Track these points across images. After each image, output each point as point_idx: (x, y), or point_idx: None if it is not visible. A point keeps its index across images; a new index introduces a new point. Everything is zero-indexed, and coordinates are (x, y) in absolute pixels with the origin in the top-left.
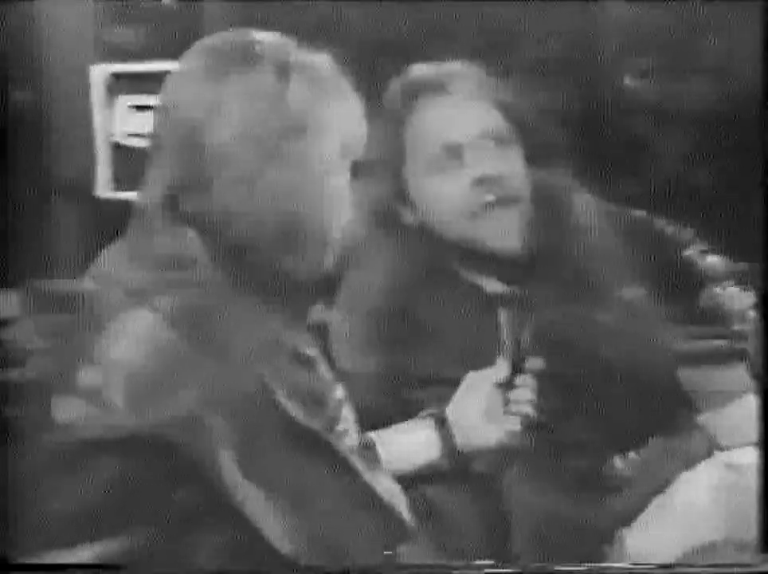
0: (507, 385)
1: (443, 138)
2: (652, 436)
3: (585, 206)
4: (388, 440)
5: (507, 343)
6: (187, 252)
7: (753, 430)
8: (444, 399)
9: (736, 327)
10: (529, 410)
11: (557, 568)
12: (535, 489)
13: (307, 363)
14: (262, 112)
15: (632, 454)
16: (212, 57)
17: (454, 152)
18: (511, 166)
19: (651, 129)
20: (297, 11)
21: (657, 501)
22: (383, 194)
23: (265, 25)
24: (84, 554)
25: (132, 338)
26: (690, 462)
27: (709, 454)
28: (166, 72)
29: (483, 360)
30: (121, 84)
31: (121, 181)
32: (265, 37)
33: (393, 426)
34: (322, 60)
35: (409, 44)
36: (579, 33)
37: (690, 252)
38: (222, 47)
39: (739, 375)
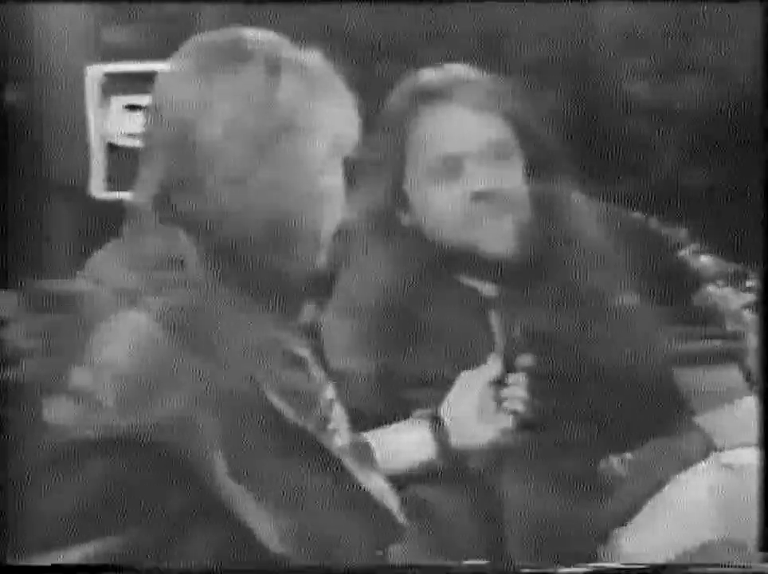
0: (500, 383)
1: (444, 148)
2: (648, 436)
3: (583, 209)
4: (382, 440)
5: (498, 341)
6: (178, 252)
7: (749, 430)
8: (438, 399)
9: (730, 327)
10: (521, 408)
11: (551, 568)
12: (530, 488)
13: (299, 363)
14: (253, 110)
15: (627, 454)
16: (202, 56)
17: (454, 164)
18: (510, 178)
19: (649, 130)
20: (294, 12)
21: (653, 502)
22: (382, 194)
23: (262, 26)
24: (74, 555)
25: (124, 339)
26: (686, 463)
27: (705, 455)
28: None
29: (476, 360)
30: (116, 84)
31: (116, 181)
32: (255, 35)
33: (388, 426)
34: (313, 58)
35: (407, 45)
36: (576, 35)
37: (684, 252)
38: (212, 45)
39: (734, 375)
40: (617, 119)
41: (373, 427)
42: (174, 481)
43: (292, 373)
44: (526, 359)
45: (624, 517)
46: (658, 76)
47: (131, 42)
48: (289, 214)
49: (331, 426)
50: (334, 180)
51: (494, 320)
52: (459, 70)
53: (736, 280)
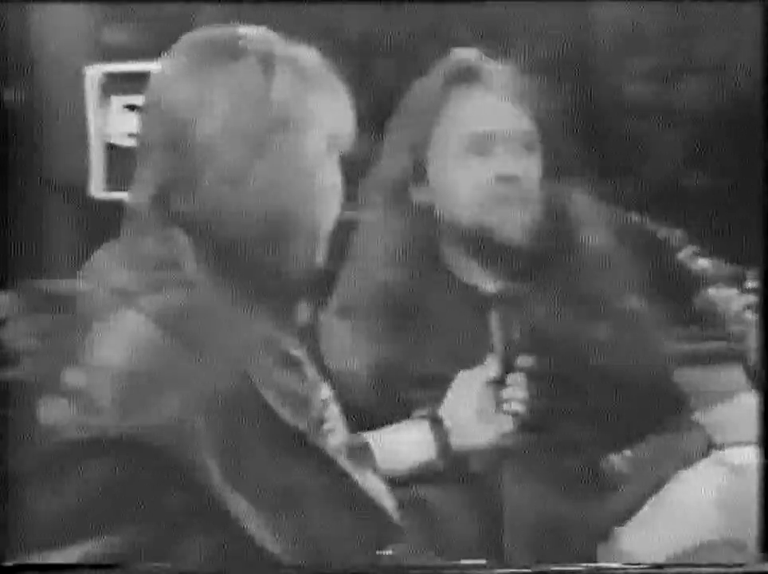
0: (499, 384)
1: (476, 126)
2: (649, 435)
3: (589, 211)
4: (382, 440)
5: (497, 341)
6: (175, 252)
7: (749, 428)
8: (438, 399)
9: (732, 328)
10: (520, 409)
11: (551, 567)
12: (529, 488)
13: (293, 363)
14: (247, 108)
15: (628, 453)
16: (195, 53)
17: (484, 143)
18: (531, 169)
19: (648, 130)
20: (292, 12)
21: (653, 500)
22: (399, 169)
23: (260, 25)
24: (70, 555)
25: (120, 339)
26: (686, 461)
27: (706, 453)
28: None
29: (477, 359)
30: (116, 84)
31: (115, 181)
32: (249, 31)
33: (388, 427)
34: (307, 55)
35: (405, 44)
36: (576, 35)
37: (683, 254)
38: (205, 43)
39: (735, 375)
40: (617, 119)
41: (373, 427)
42: (170, 482)
43: (287, 373)
44: (525, 360)
45: (625, 516)
46: (658, 76)
47: (131, 42)
48: (286, 211)
49: (326, 427)
50: (330, 177)
51: (493, 320)
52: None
53: (735, 281)
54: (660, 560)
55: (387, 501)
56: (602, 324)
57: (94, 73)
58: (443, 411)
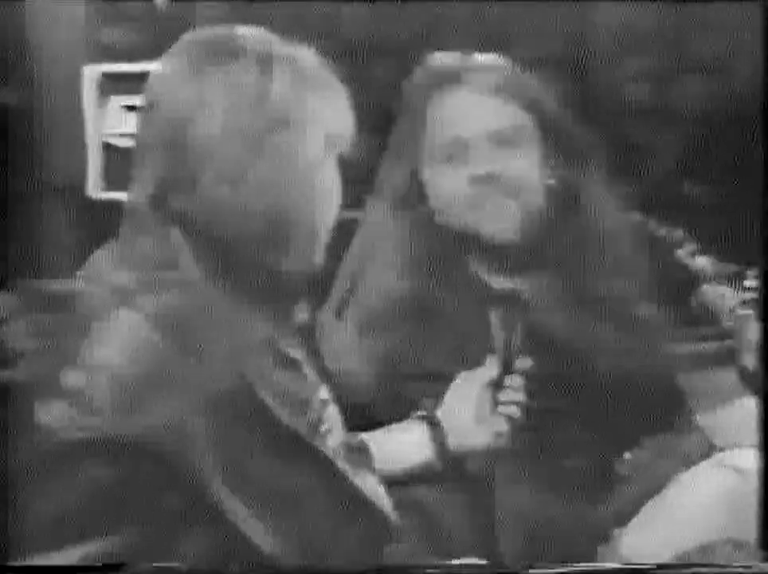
0: (498, 385)
1: (454, 131)
2: (649, 436)
3: (605, 207)
4: (380, 441)
5: (497, 342)
6: (174, 252)
7: (750, 431)
8: (437, 399)
9: (725, 324)
10: (517, 412)
11: (550, 568)
12: (527, 489)
13: (291, 364)
14: (246, 106)
15: (628, 454)
16: (194, 53)
17: (461, 147)
18: (519, 165)
19: (648, 130)
20: (291, 12)
21: (653, 502)
22: (400, 181)
23: (258, 25)
24: (69, 556)
25: (118, 339)
26: (687, 463)
27: (706, 455)
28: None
29: (477, 359)
30: (113, 84)
31: (113, 181)
32: (247, 32)
33: (386, 427)
34: (305, 54)
35: (404, 44)
36: (575, 35)
37: (682, 253)
38: (203, 43)
39: (732, 376)
40: (616, 118)
41: (370, 426)
42: (168, 483)
43: (285, 374)
44: (524, 362)
45: (625, 517)
46: (658, 76)
47: (128, 42)
48: (284, 211)
49: (324, 428)
50: (329, 177)
51: (494, 318)
52: (479, 57)
53: (733, 280)
54: (661, 560)
55: (385, 501)
56: (602, 324)
57: (92, 73)
58: (441, 412)
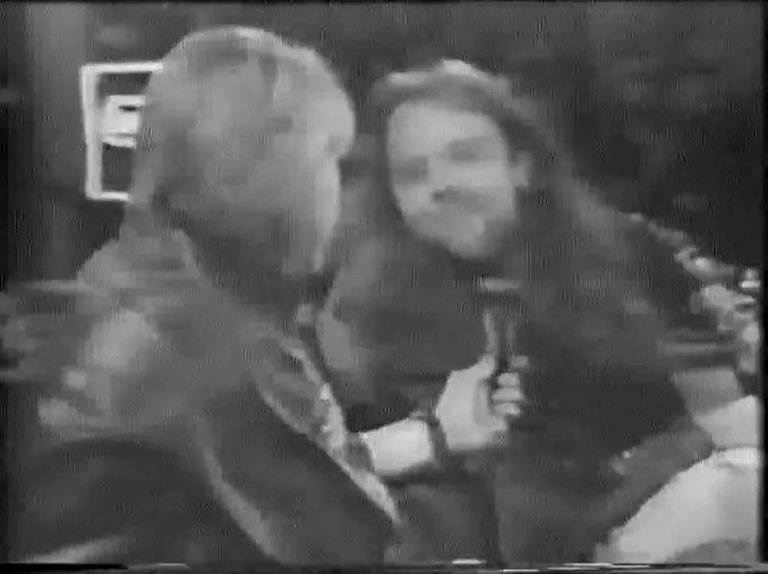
0: (493, 384)
1: (412, 150)
2: (647, 436)
3: (581, 209)
4: (379, 441)
5: (491, 341)
6: (175, 253)
7: (748, 431)
8: (436, 398)
9: (722, 328)
10: (514, 411)
11: (549, 568)
12: (527, 489)
13: (294, 364)
14: (248, 109)
15: (627, 454)
16: (196, 55)
17: (420, 165)
18: (482, 175)
19: (647, 131)
20: (289, 13)
21: (652, 501)
22: (373, 192)
23: (256, 26)
24: (69, 555)
25: (120, 340)
26: (686, 462)
27: (705, 454)
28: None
29: (473, 358)
30: (112, 84)
31: (112, 182)
32: (249, 34)
33: (385, 427)
34: (306, 57)
35: (402, 45)
36: (574, 35)
37: (680, 255)
38: (206, 45)
39: (730, 376)
40: (616, 119)
41: (371, 427)
42: (169, 483)
43: (287, 374)
44: (519, 361)
45: (624, 517)
46: (657, 76)
47: (127, 42)
48: (286, 213)
49: (326, 428)
50: (329, 179)
51: (487, 317)
52: (443, 68)
53: (733, 283)
54: (659, 560)
55: (386, 502)
56: (599, 324)
57: (90, 74)
58: (439, 412)
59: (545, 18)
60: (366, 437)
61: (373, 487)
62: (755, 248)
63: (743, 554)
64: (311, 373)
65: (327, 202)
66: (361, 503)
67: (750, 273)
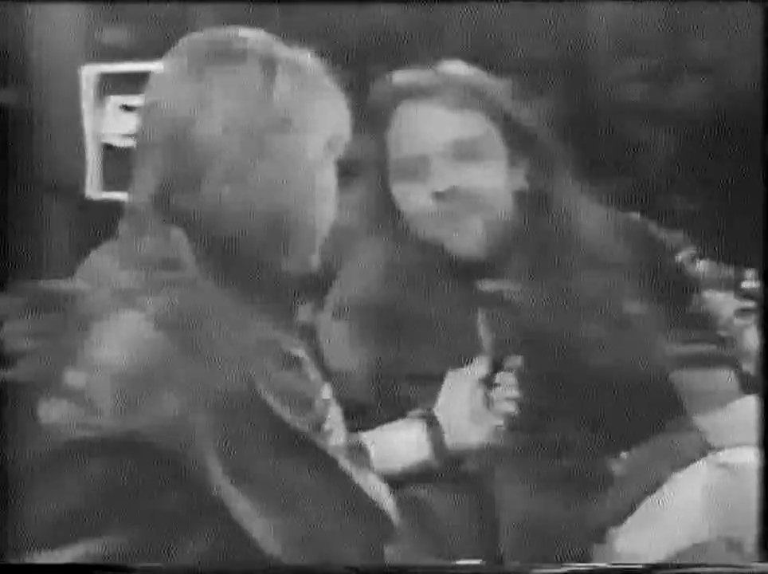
0: (489, 383)
1: (414, 148)
2: (644, 436)
3: (580, 209)
4: (378, 440)
5: (485, 340)
6: (175, 252)
7: (745, 430)
8: (434, 397)
9: (722, 333)
10: (512, 408)
11: (546, 568)
12: (524, 488)
13: (294, 363)
14: (248, 109)
15: (624, 454)
16: (196, 55)
17: (422, 163)
18: (483, 176)
19: (647, 131)
20: (288, 13)
21: (649, 501)
22: (371, 192)
23: (254, 26)
24: (68, 555)
25: (120, 339)
26: (682, 462)
27: (702, 454)
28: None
29: (471, 358)
30: (111, 84)
31: (111, 181)
32: (248, 34)
33: (383, 426)
34: (306, 58)
35: (400, 46)
36: (572, 35)
37: (681, 256)
38: (206, 45)
39: (728, 378)
40: (615, 119)
41: (370, 426)
42: (170, 482)
43: (288, 373)
44: (515, 360)
45: (620, 517)
46: (657, 76)
47: (127, 42)
48: (285, 212)
49: (326, 427)
50: (328, 179)
51: (481, 317)
52: (445, 68)
53: (733, 285)
54: (656, 559)
55: (387, 501)
56: (597, 324)
57: (90, 73)
58: (437, 411)
59: (544, 18)
60: (366, 436)
61: (374, 486)
62: (755, 249)
63: (739, 553)
64: (312, 372)
65: (326, 201)
66: (361, 502)
67: (749, 274)
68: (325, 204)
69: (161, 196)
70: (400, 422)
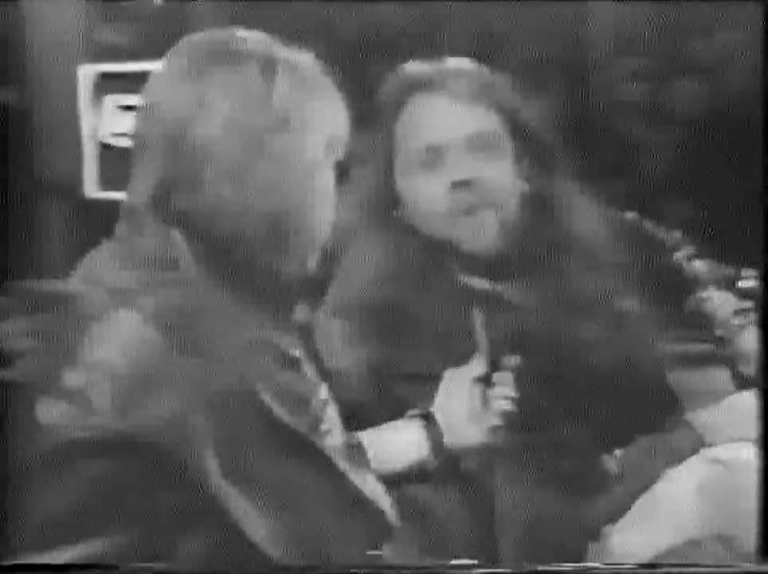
0: (487, 383)
1: (428, 138)
2: (639, 434)
3: (578, 208)
4: (376, 439)
5: (481, 340)
6: (173, 252)
7: (739, 427)
8: (432, 396)
9: (718, 333)
10: (510, 407)
11: (544, 567)
12: (522, 488)
13: (292, 363)
14: (248, 109)
15: (618, 452)
16: (196, 55)
17: (436, 154)
18: (495, 171)
19: (647, 131)
20: (287, 13)
21: (643, 498)
22: (374, 188)
23: (253, 26)
24: (66, 555)
25: (117, 339)
26: (678, 460)
27: (695, 451)
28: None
29: (465, 358)
30: (109, 83)
31: (109, 181)
32: (248, 35)
33: (382, 426)
34: (305, 59)
35: (400, 45)
36: (572, 35)
37: (678, 255)
38: (205, 45)
39: (724, 377)
40: (615, 119)
41: (367, 424)
42: (167, 482)
43: (285, 373)
44: (512, 359)
45: (616, 515)
46: (656, 76)
47: (125, 42)
48: (284, 213)
49: (323, 427)
50: (327, 180)
51: (478, 316)
52: (452, 62)
53: (731, 284)
54: (651, 556)
55: (384, 501)
56: (595, 323)
57: (87, 73)
58: (435, 410)
59: (544, 18)
60: (363, 436)
61: (371, 486)
62: (755, 248)
63: (733, 550)
64: (309, 372)
65: (324, 201)
66: (359, 501)
67: (748, 273)
68: (324, 204)
69: (159, 196)
70: (398, 422)
